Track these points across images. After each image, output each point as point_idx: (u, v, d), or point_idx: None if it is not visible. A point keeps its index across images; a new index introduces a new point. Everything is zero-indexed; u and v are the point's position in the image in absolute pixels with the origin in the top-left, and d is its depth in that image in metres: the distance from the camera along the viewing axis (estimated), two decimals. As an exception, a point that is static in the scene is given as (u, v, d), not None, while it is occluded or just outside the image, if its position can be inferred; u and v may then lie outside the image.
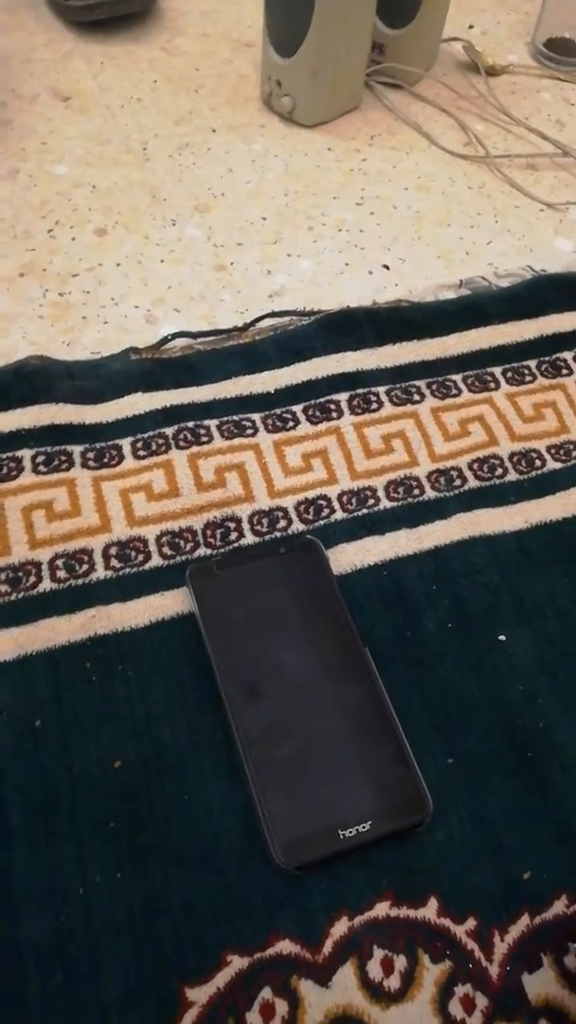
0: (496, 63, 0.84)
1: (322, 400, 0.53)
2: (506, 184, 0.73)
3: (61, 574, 0.44)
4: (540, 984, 0.35)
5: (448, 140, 0.76)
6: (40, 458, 0.47)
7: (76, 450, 0.48)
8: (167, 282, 0.60)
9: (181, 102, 0.76)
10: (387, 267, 0.64)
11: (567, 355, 0.58)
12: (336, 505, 0.49)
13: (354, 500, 0.49)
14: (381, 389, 0.54)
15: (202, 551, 0.46)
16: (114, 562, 0.45)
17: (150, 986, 0.33)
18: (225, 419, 0.51)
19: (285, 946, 0.35)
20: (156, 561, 0.45)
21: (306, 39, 0.67)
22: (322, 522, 0.48)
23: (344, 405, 0.53)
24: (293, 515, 0.48)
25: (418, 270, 0.64)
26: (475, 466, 0.51)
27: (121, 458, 0.49)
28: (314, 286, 0.62)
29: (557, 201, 0.72)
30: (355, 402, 0.53)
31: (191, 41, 0.82)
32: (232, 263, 0.63)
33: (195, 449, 0.49)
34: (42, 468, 0.47)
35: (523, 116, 0.79)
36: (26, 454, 0.48)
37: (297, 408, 0.52)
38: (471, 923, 0.36)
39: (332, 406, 0.53)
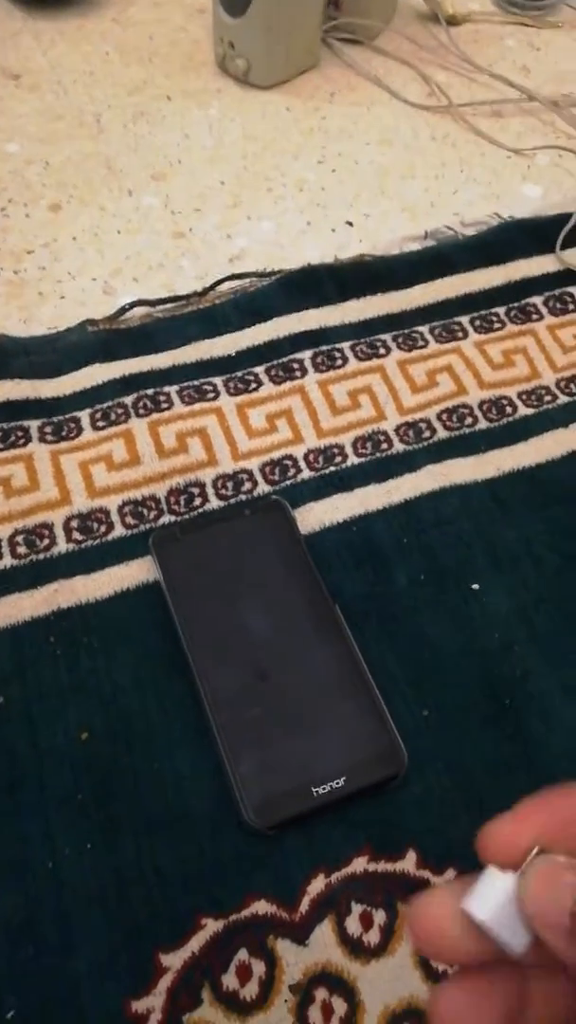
0: (457, 12, 0.82)
1: (285, 360, 0.52)
2: (471, 133, 0.71)
3: (21, 550, 0.43)
4: (524, 932, 0.34)
5: (410, 92, 0.74)
6: (-4, 435, 0.47)
7: (33, 425, 0.47)
8: (124, 252, 0.59)
9: (134, 72, 0.74)
10: (350, 223, 0.63)
11: (536, 300, 0.56)
12: (302, 464, 0.48)
13: (321, 458, 0.48)
14: (345, 345, 0.53)
15: (166, 518, 0.45)
16: (76, 535, 0.44)
17: (123, 954, 0.33)
18: (185, 384, 0.50)
19: (261, 906, 0.34)
20: (119, 531, 0.44)
21: (254, -4, 0.66)
22: (288, 482, 0.47)
23: (308, 363, 0.52)
24: (258, 477, 0.47)
25: (382, 224, 0.63)
26: (444, 416, 0.50)
27: (80, 430, 0.48)
28: (276, 247, 0.61)
29: (524, 147, 0.70)
30: (319, 359, 0.52)
31: (143, 11, 0.81)
32: (191, 229, 0.61)
33: (155, 416, 0.48)
34: (-1, 444, 0.46)
35: (487, 64, 0.77)
36: (-17, 432, 0.47)
37: (259, 369, 0.51)
38: (451, 874, 0.35)
39: (295, 365, 0.52)
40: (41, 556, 0.43)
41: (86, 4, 0.80)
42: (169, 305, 0.55)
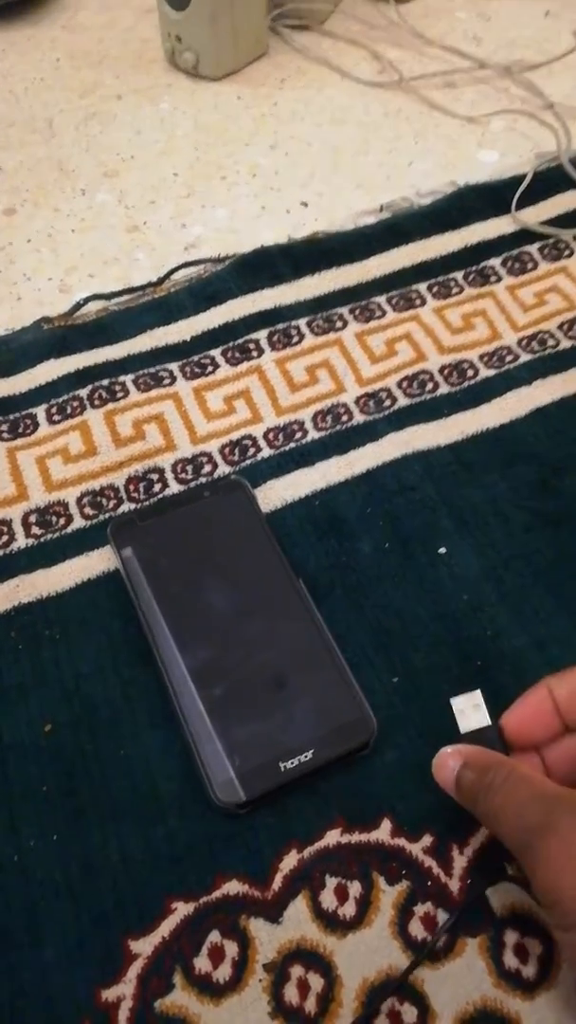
0: (406, -11, 0.81)
1: (240, 341, 0.51)
2: (424, 105, 0.70)
3: (-20, 547, 0.43)
4: (505, 894, 0.33)
5: (361, 71, 0.74)
6: (-49, 436, 0.46)
7: (-12, 424, 0.47)
8: (79, 250, 0.59)
9: (85, 75, 0.74)
10: (305, 204, 0.62)
11: (494, 262, 0.56)
12: (262, 443, 0.47)
13: (281, 435, 0.47)
14: (301, 321, 0.52)
15: (126, 506, 0.45)
16: (35, 529, 0.43)
17: (91, 943, 0.32)
18: (141, 372, 0.49)
19: (232, 887, 0.33)
20: (78, 523, 0.44)
21: (193, -14, 0.66)
22: (248, 462, 0.46)
23: (264, 343, 0.51)
24: (218, 458, 0.46)
25: (337, 202, 0.62)
26: (404, 384, 0.49)
27: (36, 426, 0.47)
28: (231, 233, 0.60)
29: (478, 114, 0.69)
30: (275, 338, 0.51)
31: (92, 15, 0.81)
32: (145, 222, 0.61)
33: (111, 406, 0.48)
34: (-46, 445, 0.46)
35: (438, 37, 0.77)
36: None
37: (215, 352, 0.51)
38: (427, 840, 0.34)
39: (251, 345, 0.51)
40: (0, 553, 0.43)
41: (35, 14, 0.81)
42: (124, 297, 0.55)
